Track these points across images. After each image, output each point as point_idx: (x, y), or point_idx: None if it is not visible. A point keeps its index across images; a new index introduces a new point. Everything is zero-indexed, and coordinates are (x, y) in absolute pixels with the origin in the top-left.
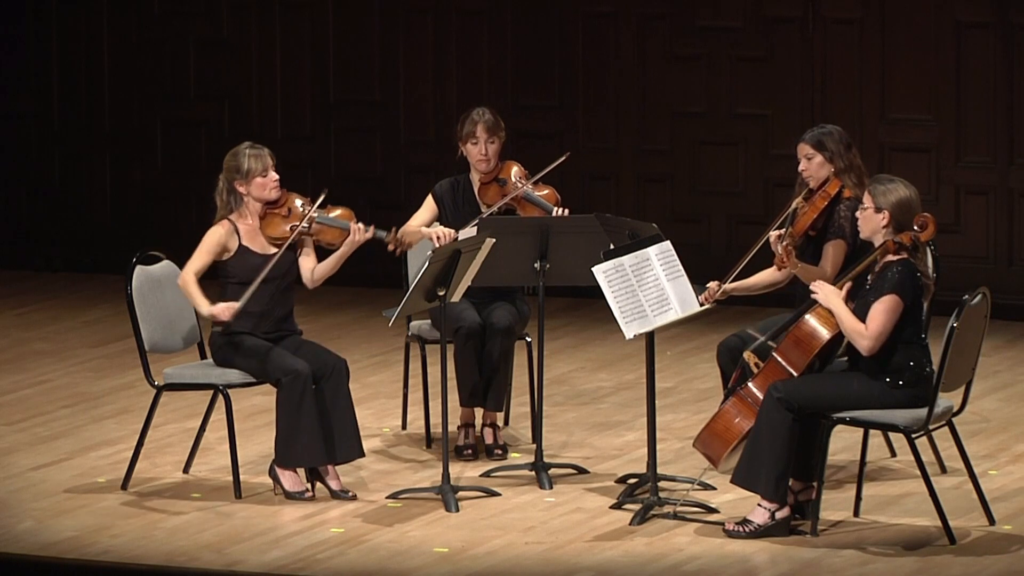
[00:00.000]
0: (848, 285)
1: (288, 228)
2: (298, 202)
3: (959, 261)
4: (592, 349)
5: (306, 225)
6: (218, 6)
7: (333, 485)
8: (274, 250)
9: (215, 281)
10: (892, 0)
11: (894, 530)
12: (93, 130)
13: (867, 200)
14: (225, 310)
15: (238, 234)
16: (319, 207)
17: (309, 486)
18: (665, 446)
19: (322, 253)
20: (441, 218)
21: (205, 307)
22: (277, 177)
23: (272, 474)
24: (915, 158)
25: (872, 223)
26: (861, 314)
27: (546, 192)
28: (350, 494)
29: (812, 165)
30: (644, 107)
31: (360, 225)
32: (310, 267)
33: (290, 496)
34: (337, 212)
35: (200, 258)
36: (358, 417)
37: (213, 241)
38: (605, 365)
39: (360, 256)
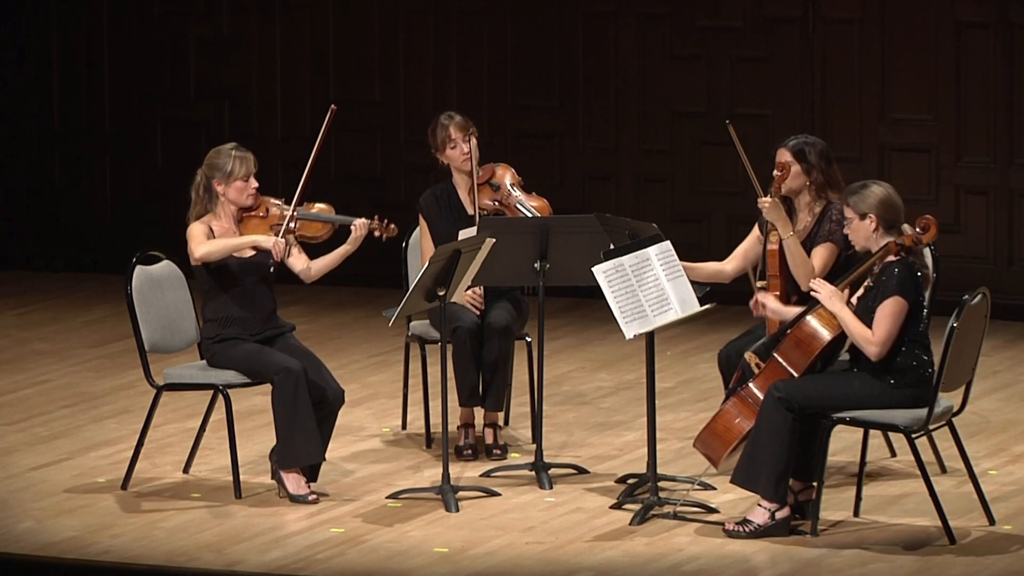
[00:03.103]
0: (848, 290)
1: (269, 229)
2: (274, 202)
3: (959, 261)
4: (592, 349)
5: (291, 224)
6: (218, 6)
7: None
8: (250, 253)
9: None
10: (892, 0)
11: (894, 530)
12: (93, 130)
13: (848, 212)
14: (276, 241)
15: (213, 236)
16: (297, 205)
17: (311, 488)
18: (665, 446)
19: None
20: (430, 229)
21: (248, 237)
22: (256, 185)
23: (276, 477)
24: (915, 158)
25: (862, 231)
26: (862, 316)
27: (537, 204)
28: (311, 497)
29: (787, 174)
30: (644, 107)
31: (362, 220)
32: (304, 263)
33: (295, 499)
34: (317, 206)
35: (201, 238)
36: (357, 419)
37: (202, 233)
38: (605, 365)
39: (361, 256)
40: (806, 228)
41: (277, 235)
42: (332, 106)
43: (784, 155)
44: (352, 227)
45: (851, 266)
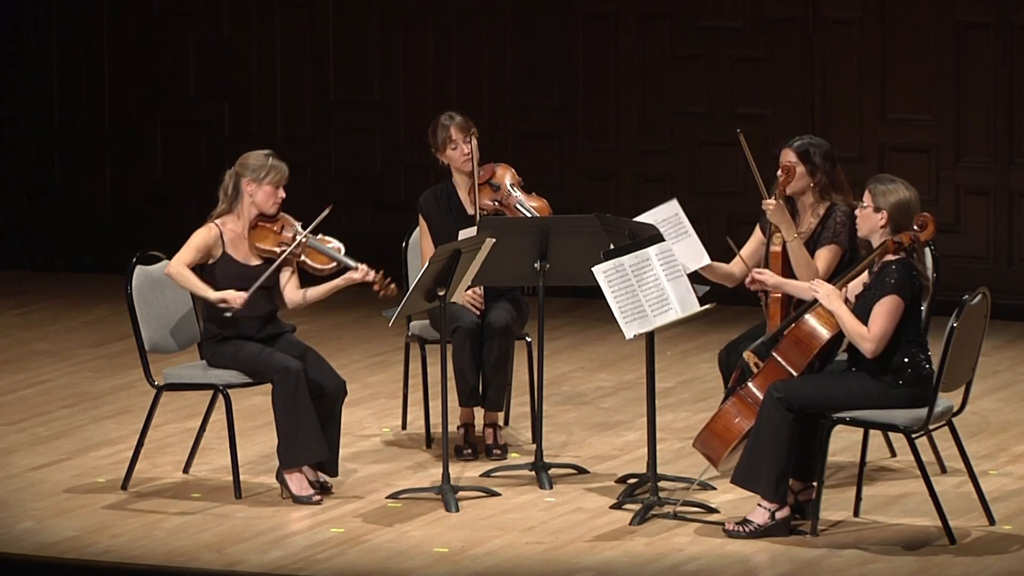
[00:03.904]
0: (847, 286)
1: (277, 245)
2: (292, 222)
3: (959, 261)
4: (592, 349)
5: (298, 248)
6: (218, 6)
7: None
8: (256, 261)
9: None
10: (892, 0)
11: (894, 530)
12: (93, 130)
13: (867, 199)
14: (236, 297)
15: (223, 240)
16: (312, 231)
17: (316, 489)
18: (665, 446)
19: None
20: (430, 228)
21: (211, 292)
22: (283, 196)
23: (280, 478)
24: (915, 158)
25: (870, 222)
26: (860, 314)
27: (537, 204)
28: (315, 498)
29: (792, 176)
30: (644, 107)
31: (364, 267)
32: (295, 289)
33: (298, 500)
34: (329, 242)
35: (188, 253)
36: (357, 419)
37: (200, 241)
38: (605, 365)
39: (360, 256)
40: (809, 229)
41: (282, 255)
42: (330, 207)
43: (789, 155)
44: (355, 268)
45: (849, 266)
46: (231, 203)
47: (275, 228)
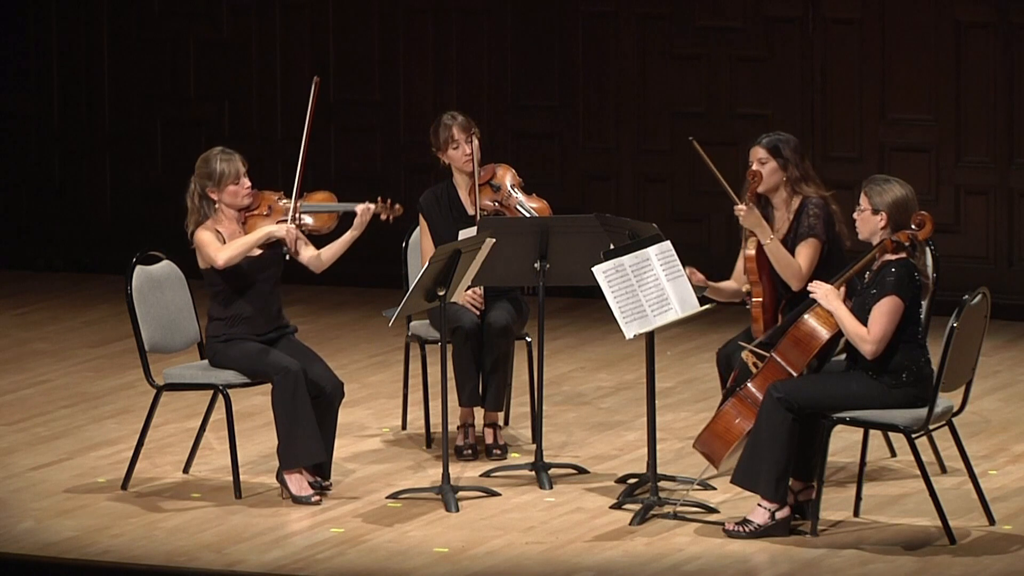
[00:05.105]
0: (844, 287)
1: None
2: (274, 198)
3: (959, 261)
4: (592, 349)
5: (298, 220)
6: (218, 6)
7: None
8: (259, 251)
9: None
10: (892, 0)
11: (894, 530)
12: (93, 130)
13: (863, 201)
14: (288, 229)
15: (222, 239)
16: (299, 197)
17: (315, 490)
18: (665, 446)
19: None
20: (430, 228)
21: (272, 228)
22: (249, 184)
23: (279, 479)
24: (915, 158)
25: (870, 224)
26: (859, 313)
27: (536, 206)
28: (314, 499)
29: (764, 170)
30: (644, 107)
31: (366, 204)
32: (312, 253)
33: (297, 500)
34: (319, 196)
35: (217, 243)
36: (357, 419)
37: (214, 238)
38: (605, 365)
39: (360, 256)
40: (785, 225)
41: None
42: (316, 78)
43: (759, 152)
44: (356, 212)
45: (832, 256)
46: (204, 212)
47: (263, 212)
